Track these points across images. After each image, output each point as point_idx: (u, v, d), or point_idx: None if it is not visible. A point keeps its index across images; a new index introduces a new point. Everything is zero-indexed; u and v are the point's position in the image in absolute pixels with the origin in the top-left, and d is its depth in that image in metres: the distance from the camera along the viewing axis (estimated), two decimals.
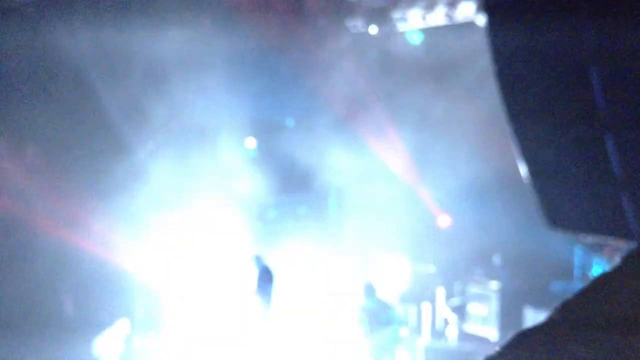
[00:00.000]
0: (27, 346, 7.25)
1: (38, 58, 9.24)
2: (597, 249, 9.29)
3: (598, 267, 9.18)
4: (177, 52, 10.27)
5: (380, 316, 7.96)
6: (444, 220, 11.72)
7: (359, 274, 10.85)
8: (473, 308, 10.18)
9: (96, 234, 8.78)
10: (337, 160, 12.16)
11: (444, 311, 10.36)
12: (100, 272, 8.64)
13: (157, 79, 10.24)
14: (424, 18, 11.08)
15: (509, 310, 9.96)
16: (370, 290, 8.18)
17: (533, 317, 9.04)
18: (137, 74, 10.27)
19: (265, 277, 9.11)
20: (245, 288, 9.13)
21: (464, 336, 9.91)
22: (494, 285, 10.07)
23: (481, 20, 9.64)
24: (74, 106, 9.44)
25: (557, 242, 9.46)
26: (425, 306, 10.24)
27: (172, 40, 10.18)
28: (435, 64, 11.15)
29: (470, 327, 10.12)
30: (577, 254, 9.62)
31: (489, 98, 9.37)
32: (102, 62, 9.78)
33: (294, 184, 12.66)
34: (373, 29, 11.70)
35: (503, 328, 9.69)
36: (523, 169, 1.47)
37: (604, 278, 1.44)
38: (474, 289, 10.26)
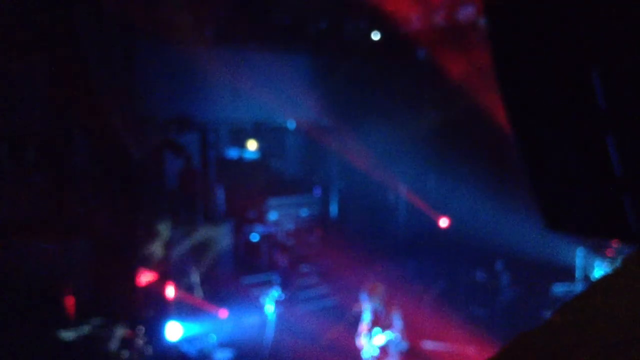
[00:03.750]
0: None
1: None
2: (599, 250, 9.28)
3: (600, 269, 9.16)
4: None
5: (384, 318, 7.96)
6: (444, 222, 11.74)
7: (361, 275, 10.86)
8: (473, 310, 10.17)
9: None
10: (338, 163, 12.16)
11: (445, 314, 10.35)
12: None
13: None
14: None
15: (509, 313, 9.96)
16: (375, 292, 8.18)
17: (534, 319, 9.02)
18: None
19: None
20: None
21: (464, 338, 9.90)
22: (494, 287, 10.06)
23: (482, 21, 9.62)
24: None
25: (559, 244, 9.46)
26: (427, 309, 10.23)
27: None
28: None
29: (471, 330, 10.10)
30: (579, 256, 9.61)
31: (489, 99, 9.38)
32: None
33: (295, 186, 12.68)
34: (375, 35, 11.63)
35: (504, 330, 9.68)
36: (524, 171, 1.46)
37: (605, 280, 1.43)
38: (475, 291, 10.26)
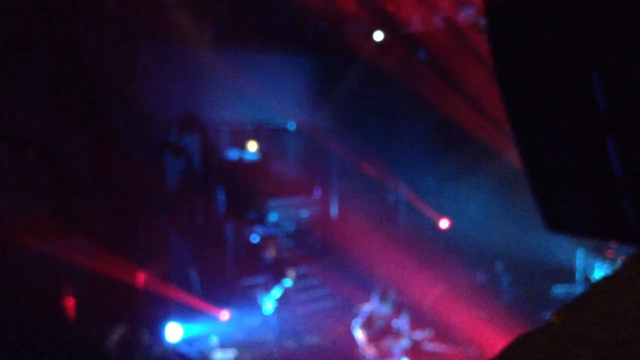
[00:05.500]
0: None
1: None
2: (599, 252, 9.28)
3: (600, 270, 9.17)
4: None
5: (391, 322, 7.98)
6: (444, 223, 11.74)
7: (362, 277, 10.86)
8: (473, 311, 10.17)
9: None
10: (338, 163, 12.16)
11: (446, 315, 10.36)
12: None
13: None
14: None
15: (510, 314, 9.95)
16: (384, 295, 8.19)
17: (534, 320, 9.02)
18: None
19: None
20: None
21: (465, 339, 9.90)
22: (495, 288, 10.07)
23: (483, 22, 9.64)
24: None
25: (559, 245, 9.46)
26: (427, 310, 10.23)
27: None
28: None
29: (471, 331, 10.10)
30: (579, 257, 9.61)
31: (489, 101, 9.38)
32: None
33: (295, 187, 12.67)
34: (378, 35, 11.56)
35: (504, 331, 9.67)
36: (524, 172, 1.46)
37: (605, 281, 1.43)
38: (475, 293, 10.25)
